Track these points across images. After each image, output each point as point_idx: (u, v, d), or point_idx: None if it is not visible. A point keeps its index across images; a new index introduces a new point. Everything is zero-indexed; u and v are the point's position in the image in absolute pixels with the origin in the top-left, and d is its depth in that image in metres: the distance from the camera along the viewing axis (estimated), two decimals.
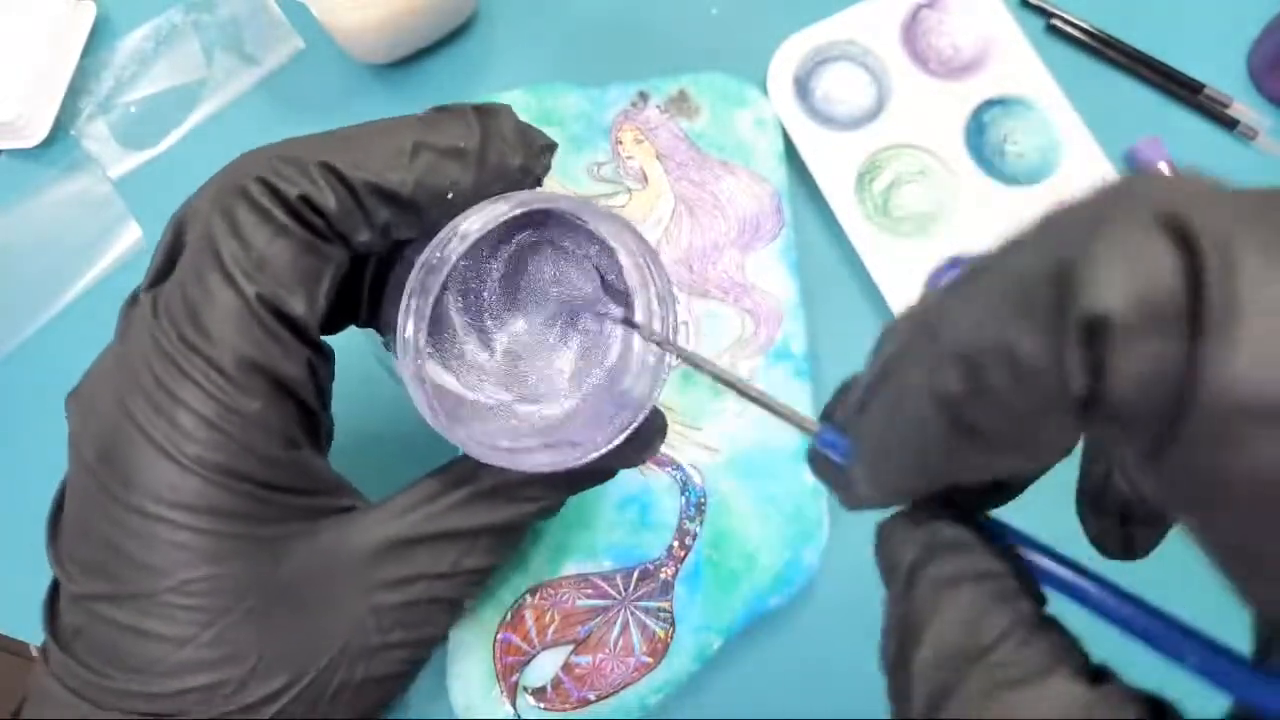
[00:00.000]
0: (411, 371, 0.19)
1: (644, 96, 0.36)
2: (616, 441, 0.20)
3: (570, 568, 0.31)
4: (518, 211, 0.19)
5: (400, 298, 0.19)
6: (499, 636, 0.30)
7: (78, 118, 0.39)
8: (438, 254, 0.19)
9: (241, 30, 0.40)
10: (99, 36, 0.40)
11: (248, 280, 0.19)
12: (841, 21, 0.38)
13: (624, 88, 0.37)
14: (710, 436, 0.32)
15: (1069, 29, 0.40)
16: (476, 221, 0.19)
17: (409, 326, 0.19)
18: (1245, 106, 0.39)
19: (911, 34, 0.39)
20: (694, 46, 0.40)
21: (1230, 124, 0.39)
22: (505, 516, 0.21)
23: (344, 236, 0.20)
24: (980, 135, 0.38)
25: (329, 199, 0.19)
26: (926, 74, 0.38)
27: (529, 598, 0.30)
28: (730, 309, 0.34)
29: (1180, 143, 0.38)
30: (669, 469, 0.32)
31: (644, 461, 0.23)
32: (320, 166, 0.19)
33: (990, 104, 0.38)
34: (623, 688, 0.29)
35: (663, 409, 0.23)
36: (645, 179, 0.35)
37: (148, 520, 0.18)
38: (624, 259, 0.22)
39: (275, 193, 0.19)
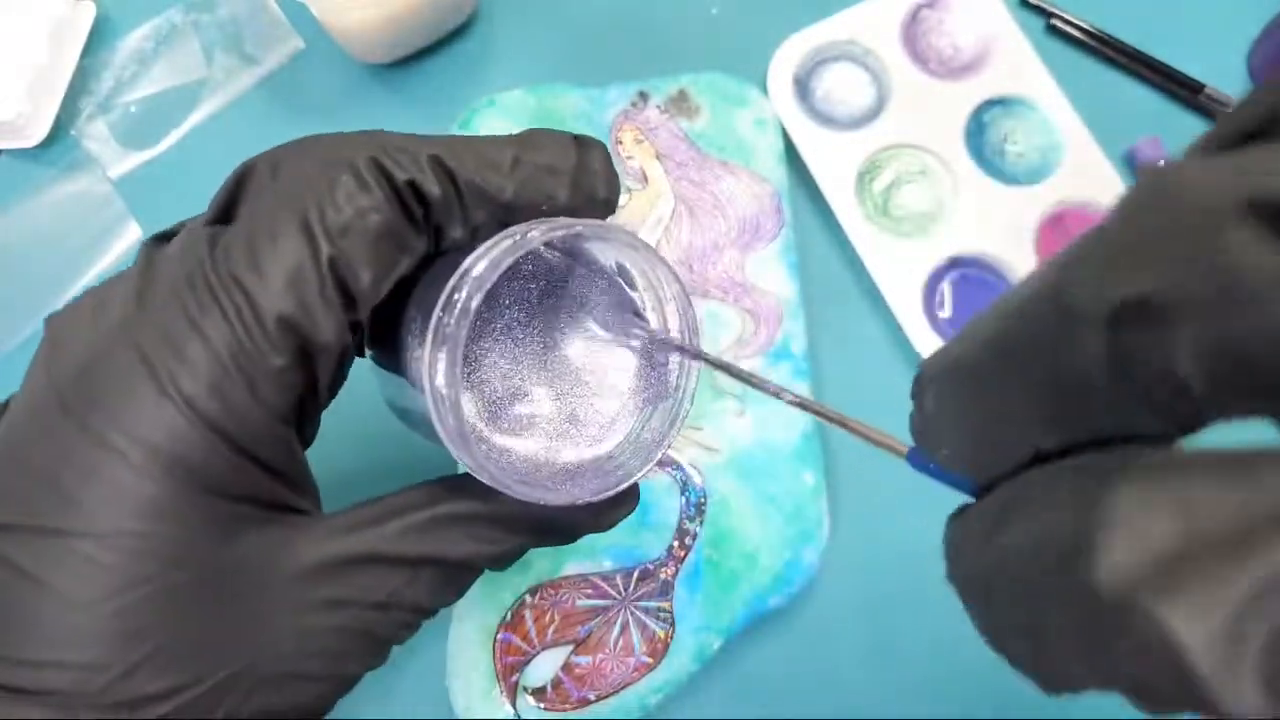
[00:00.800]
0: (450, 429, 0.18)
1: (644, 96, 0.36)
2: (617, 489, 0.19)
3: (570, 568, 0.31)
4: (558, 234, 0.19)
5: (411, 319, 0.19)
6: (499, 636, 0.30)
7: (78, 117, 0.39)
8: (460, 294, 0.18)
9: (241, 30, 0.40)
10: (99, 36, 0.40)
11: (327, 240, 0.18)
12: (841, 21, 0.38)
13: (624, 88, 0.37)
14: (710, 436, 0.32)
15: (1069, 29, 0.40)
16: (509, 253, 0.18)
17: (439, 376, 0.18)
18: None
19: (912, 34, 0.39)
20: (694, 46, 0.40)
21: None
22: (460, 553, 0.20)
23: (438, 230, 0.20)
24: (980, 135, 0.38)
25: (434, 188, 0.19)
26: (926, 74, 0.38)
27: (529, 598, 0.30)
28: (730, 309, 0.34)
29: (1180, 142, 0.38)
30: (669, 469, 0.32)
31: (610, 526, 0.22)
32: (430, 159, 0.19)
33: (990, 104, 0.38)
34: (623, 688, 0.29)
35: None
36: (645, 179, 0.35)
37: (102, 451, 0.16)
38: (653, 287, 0.21)
39: (383, 171, 0.19)
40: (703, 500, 0.32)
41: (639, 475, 0.20)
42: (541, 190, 0.20)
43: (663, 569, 0.31)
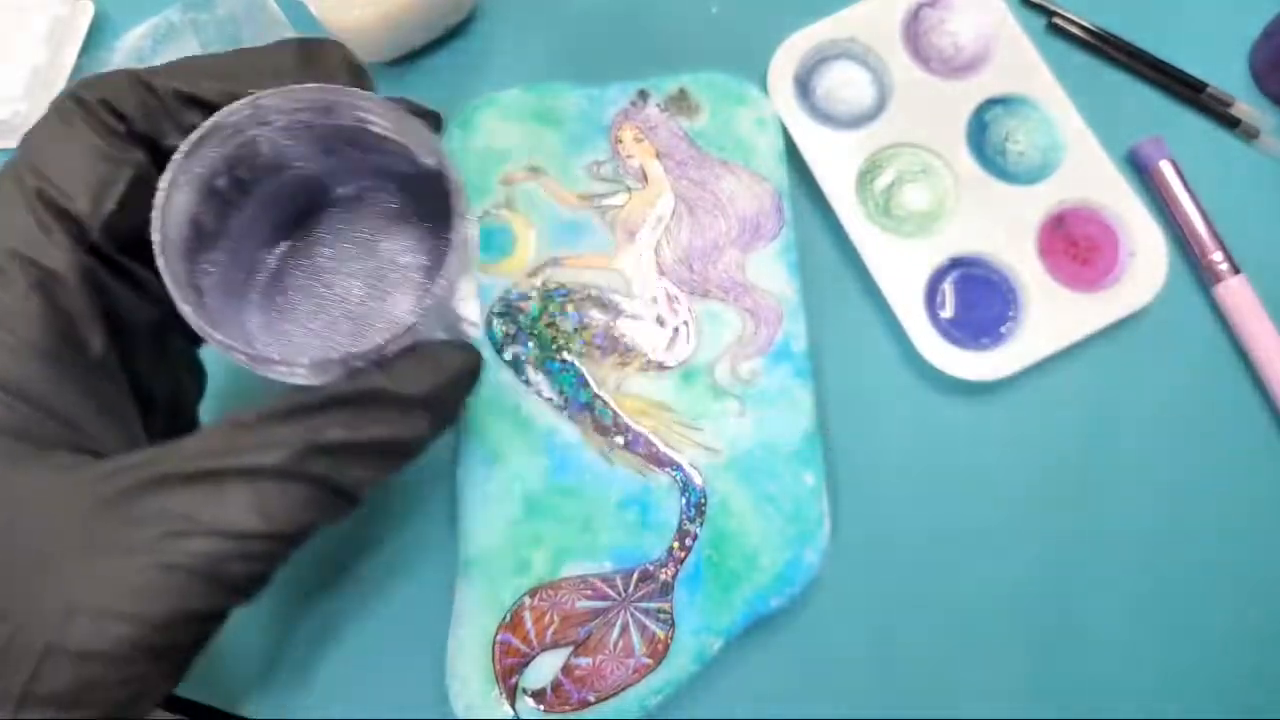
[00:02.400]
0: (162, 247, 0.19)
1: (644, 95, 0.36)
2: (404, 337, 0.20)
3: (570, 569, 0.30)
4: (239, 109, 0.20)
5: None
6: (498, 638, 0.30)
7: None
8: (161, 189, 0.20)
9: (240, 29, 0.40)
10: (97, 36, 0.40)
11: (31, 174, 0.19)
12: (842, 20, 0.38)
13: (624, 86, 0.37)
14: (710, 437, 0.32)
15: (1070, 28, 0.40)
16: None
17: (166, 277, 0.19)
18: (1247, 106, 0.39)
19: (913, 32, 0.39)
20: (694, 45, 0.39)
21: (1232, 123, 0.39)
22: (263, 461, 0.18)
23: (151, 139, 0.21)
24: (982, 134, 0.37)
25: (128, 100, 0.20)
26: (928, 73, 0.38)
27: (528, 599, 0.30)
28: (731, 309, 0.34)
29: (1181, 142, 0.38)
30: (669, 470, 0.32)
31: (436, 406, 0.21)
32: (129, 76, 0.20)
33: (992, 103, 0.38)
34: (623, 689, 0.29)
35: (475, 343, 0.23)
36: (645, 178, 0.35)
37: None
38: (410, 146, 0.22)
39: (78, 100, 0.20)
40: (703, 501, 0.31)
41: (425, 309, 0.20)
42: (256, 87, 0.21)
43: (662, 570, 0.31)
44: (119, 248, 0.21)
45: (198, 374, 0.25)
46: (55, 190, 0.19)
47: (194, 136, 0.20)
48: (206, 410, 0.26)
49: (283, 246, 0.24)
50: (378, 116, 0.22)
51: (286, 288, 0.24)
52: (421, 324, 0.20)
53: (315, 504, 0.19)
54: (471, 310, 0.23)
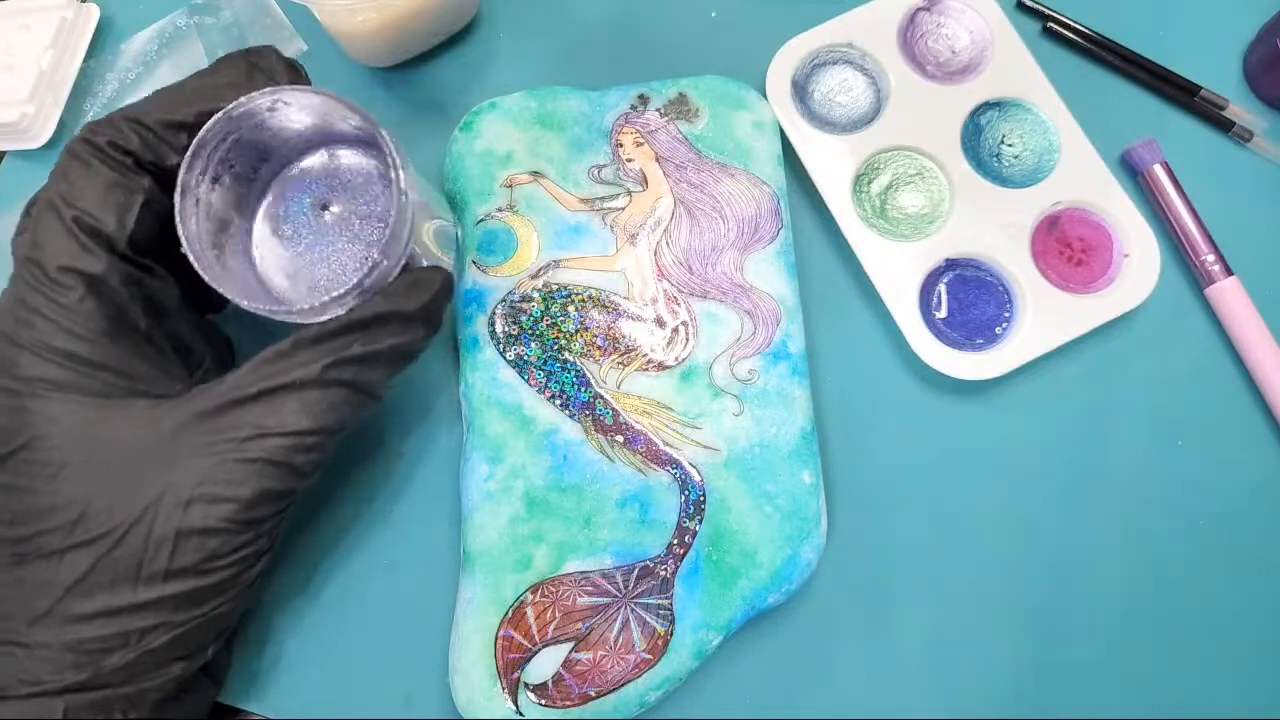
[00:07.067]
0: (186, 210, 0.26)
1: (644, 99, 0.37)
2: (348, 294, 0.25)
3: (571, 565, 0.31)
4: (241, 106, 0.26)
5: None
6: (500, 633, 0.30)
7: (82, 120, 0.39)
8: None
9: (244, 33, 0.40)
10: (103, 39, 0.41)
11: (66, 206, 0.25)
12: (839, 25, 0.39)
13: (624, 91, 0.37)
14: (709, 436, 0.33)
15: (1065, 32, 0.40)
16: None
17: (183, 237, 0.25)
18: (1241, 109, 0.39)
19: (909, 37, 0.39)
20: (693, 50, 0.40)
21: (1226, 126, 0.39)
22: (299, 373, 0.25)
23: (157, 165, 0.26)
24: (977, 138, 0.38)
25: (131, 139, 0.26)
26: (924, 77, 0.38)
27: (530, 595, 0.31)
28: (729, 310, 0.34)
29: (1176, 145, 0.39)
30: (668, 468, 0.32)
31: (426, 316, 0.27)
32: (124, 118, 0.26)
33: (987, 106, 0.38)
34: (623, 684, 0.30)
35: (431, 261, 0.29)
36: (645, 181, 0.36)
37: (15, 397, 0.25)
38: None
39: (90, 144, 0.26)
40: (702, 499, 0.32)
41: (398, 260, 0.26)
42: (221, 103, 0.26)
43: (662, 566, 0.31)
44: (139, 251, 0.26)
45: (224, 338, 0.32)
46: (89, 217, 0.25)
47: (188, 156, 0.26)
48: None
49: (263, 208, 0.30)
50: (297, 109, 0.27)
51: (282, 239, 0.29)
52: (386, 259, 0.25)
53: (348, 403, 0.26)
54: (441, 243, 0.31)
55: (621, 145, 0.36)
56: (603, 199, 0.35)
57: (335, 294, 0.25)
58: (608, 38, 0.40)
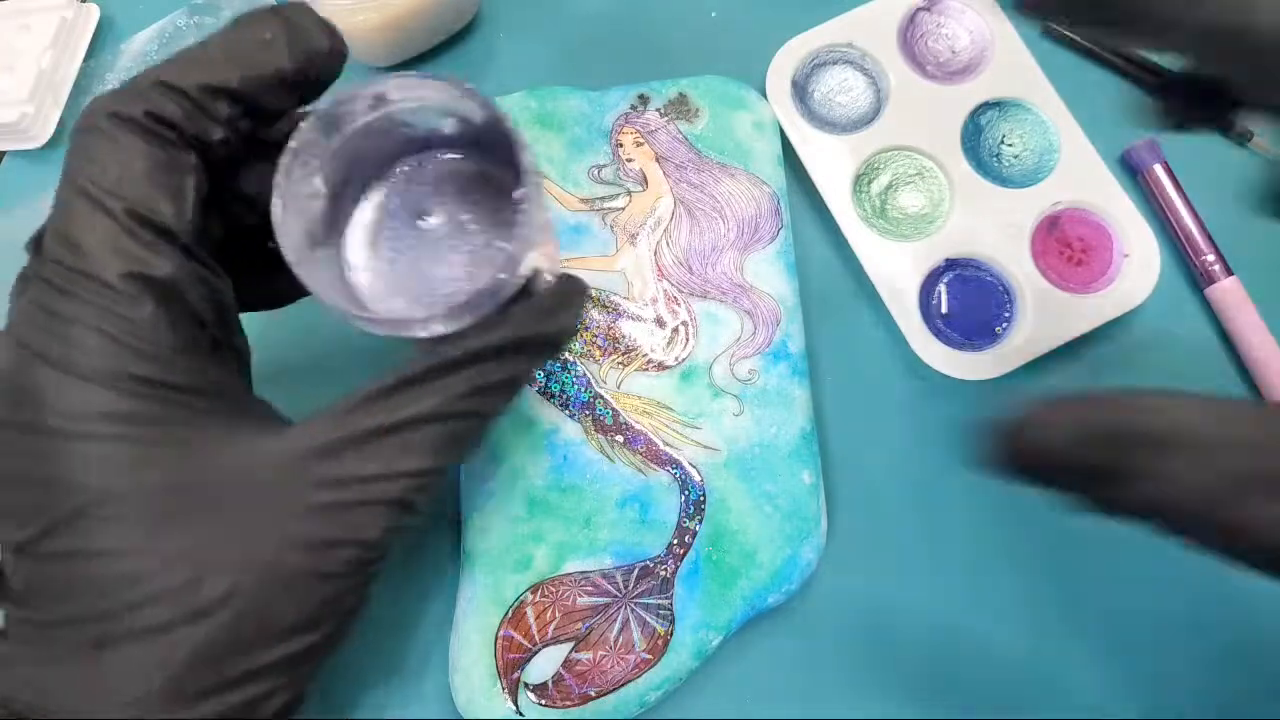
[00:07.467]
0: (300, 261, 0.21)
1: (644, 99, 0.37)
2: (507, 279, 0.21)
3: (571, 565, 0.31)
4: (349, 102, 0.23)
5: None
6: (501, 633, 0.30)
7: None
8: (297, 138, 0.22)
9: None
10: (103, 39, 0.41)
11: (112, 198, 0.20)
12: (839, 25, 0.39)
13: (624, 91, 0.37)
14: (709, 436, 0.33)
15: (1066, 32, 0.40)
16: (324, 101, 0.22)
17: (288, 249, 0.21)
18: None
19: (909, 37, 0.39)
20: (694, 50, 0.40)
21: (1226, 126, 0.39)
22: (431, 405, 0.21)
23: (200, 140, 0.22)
24: (977, 138, 0.38)
25: (171, 107, 0.21)
26: (924, 77, 0.38)
27: (530, 595, 0.31)
28: (729, 310, 0.34)
29: (1175, 145, 0.39)
30: (669, 468, 0.32)
31: (563, 328, 0.23)
32: (154, 84, 0.21)
33: (987, 106, 0.38)
34: (623, 684, 0.30)
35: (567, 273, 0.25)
36: (645, 181, 0.36)
37: (61, 440, 0.19)
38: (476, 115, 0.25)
39: (120, 117, 0.20)
40: (702, 499, 0.32)
41: (524, 268, 0.22)
42: (264, 65, 0.22)
43: (662, 566, 0.31)
44: (198, 243, 0.22)
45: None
46: (143, 208, 0.20)
47: (291, 145, 0.22)
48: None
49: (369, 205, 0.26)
50: (401, 104, 0.24)
51: (380, 245, 0.26)
52: (506, 278, 0.22)
53: (471, 435, 0.22)
54: (550, 255, 0.25)
55: (621, 145, 0.36)
56: (603, 199, 0.35)
57: (461, 301, 0.21)
58: (608, 37, 0.40)
